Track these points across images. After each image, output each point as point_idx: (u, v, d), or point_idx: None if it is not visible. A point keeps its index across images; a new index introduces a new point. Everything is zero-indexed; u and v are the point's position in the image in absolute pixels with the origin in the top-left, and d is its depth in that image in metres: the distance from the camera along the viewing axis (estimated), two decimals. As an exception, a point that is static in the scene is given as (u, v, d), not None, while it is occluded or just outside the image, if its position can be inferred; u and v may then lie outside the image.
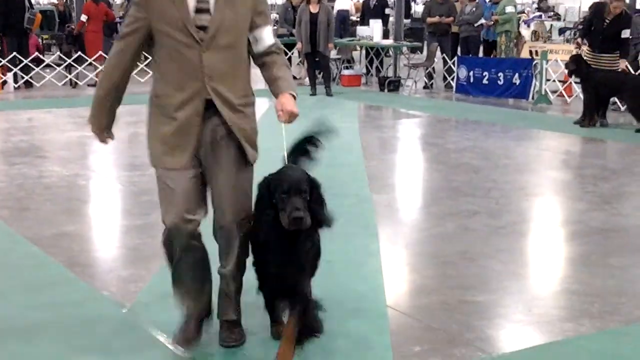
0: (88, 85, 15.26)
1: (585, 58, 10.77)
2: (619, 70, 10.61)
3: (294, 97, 3.46)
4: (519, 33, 15.92)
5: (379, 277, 4.77)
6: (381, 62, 16.28)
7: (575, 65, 10.72)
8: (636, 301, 4.41)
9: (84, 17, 15.53)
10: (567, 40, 20.21)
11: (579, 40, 11.99)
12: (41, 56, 16.02)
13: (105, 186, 7.40)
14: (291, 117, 3.38)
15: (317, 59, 13.86)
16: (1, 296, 4.42)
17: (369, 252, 5.25)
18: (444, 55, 15.07)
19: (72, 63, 15.54)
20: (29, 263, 5.03)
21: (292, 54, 16.14)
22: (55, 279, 4.74)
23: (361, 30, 16.03)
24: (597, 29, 10.74)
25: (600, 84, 10.44)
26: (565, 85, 13.18)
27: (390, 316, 4.15)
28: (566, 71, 11.47)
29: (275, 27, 19.68)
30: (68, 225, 5.88)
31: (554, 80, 13.25)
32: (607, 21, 10.58)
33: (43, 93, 14.29)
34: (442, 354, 3.68)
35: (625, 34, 10.54)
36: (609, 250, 5.35)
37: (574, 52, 11.90)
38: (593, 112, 10.58)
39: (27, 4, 14.98)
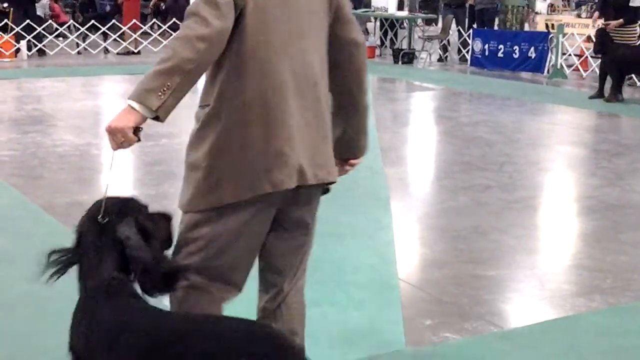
0: (117, 53, 15.28)
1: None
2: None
3: None
4: (528, 8, 15.68)
5: (391, 250, 4.77)
6: (395, 34, 16.18)
7: (600, 40, 10.60)
8: (648, 278, 4.40)
9: None
10: (580, 15, 20.00)
11: (596, 14, 11.86)
12: (55, 24, 16.01)
13: (118, 156, 7.40)
14: None
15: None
16: (13, 263, 4.45)
17: (381, 225, 5.25)
18: (459, 27, 14.95)
19: (86, 32, 15.56)
20: (42, 231, 5.06)
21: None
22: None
23: (376, 1, 15.91)
24: (609, 1, 10.71)
25: (620, 60, 10.31)
26: (581, 59, 13.06)
27: (402, 289, 4.16)
28: (583, 45, 11.37)
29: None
30: (81, 194, 5.89)
31: (570, 54, 13.13)
32: None
33: (56, 61, 14.29)
34: (453, 327, 3.68)
35: (635, 2, 10.40)
36: (621, 226, 5.33)
37: (597, 27, 11.74)
38: (616, 87, 10.48)
39: None
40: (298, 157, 2.39)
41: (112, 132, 2.36)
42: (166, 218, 2.53)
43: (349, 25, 2.58)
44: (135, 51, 15.43)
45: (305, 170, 2.42)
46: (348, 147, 2.70)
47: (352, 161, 2.77)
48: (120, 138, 2.38)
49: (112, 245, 2.34)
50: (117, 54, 15.32)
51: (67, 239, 4.87)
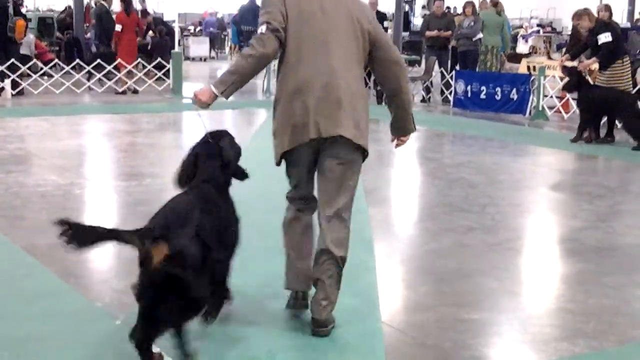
0: (115, 93, 15.29)
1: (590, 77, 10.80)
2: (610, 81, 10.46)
3: None
4: (504, 54, 15.96)
5: (374, 292, 4.76)
6: (379, 75, 16.29)
7: (575, 80, 10.66)
8: (631, 321, 4.41)
9: (118, 27, 15.54)
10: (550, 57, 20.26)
11: (564, 57, 11.86)
12: (39, 62, 16.02)
13: (101, 196, 7.39)
14: None
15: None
16: (-6, 306, 4.40)
17: (364, 266, 5.24)
18: (442, 69, 15.11)
19: (70, 70, 15.58)
20: (22, 273, 5.01)
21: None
22: (48, 289, 4.72)
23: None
24: (583, 46, 10.84)
25: (596, 101, 10.38)
26: (563, 101, 13.20)
27: (385, 332, 4.14)
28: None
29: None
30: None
31: (551, 96, 13.28)
32: (586, 36, 10.62)
33: (40, 100, 14.27)
34: (436, 372, 3.66)
35: (601, 39, 10.30)
36: (604, 268, 5.35)
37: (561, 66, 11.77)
38: (591, 129, 10.54)
39: (10, 12, 14.90)
40: (315, 120, 3.87)
41: (196, 98, 3.86)
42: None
43: (386, 49, 4.07)
44: (138, 90, 15.50)
45: (320, 130, 3.88)
46: (397, 128, 4.37)
47: (402, 138, 4.43)
48: (199, 103, 3.85)
49: (217, 152, 3.93)
50: (116, 93, 15.34)
51: (47, 280, 4.85)
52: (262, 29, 3.86)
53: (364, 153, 4.04)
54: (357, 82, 3.99)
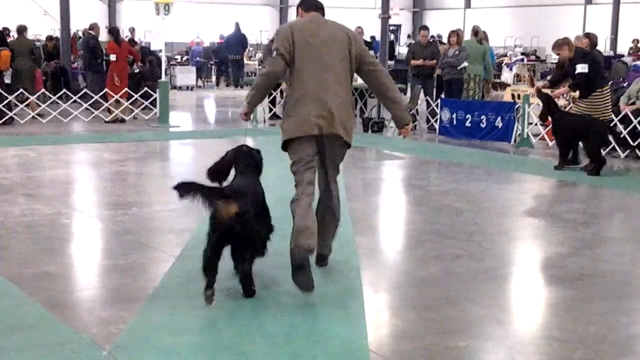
0: (105, 122, 15.26)
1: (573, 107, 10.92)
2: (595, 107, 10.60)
3: None
4: (488, 81, 16.13)
5: (362, 320, 4.75)
6: (365, 103, 16.40)
7: (547, 108, 10.81)
8: (618, 348, 4.42)
9: (113, 57, 15.56)
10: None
11: (539, 84, 11.97)
12: (25, 93, 16.00)
13: (88, 225, 7.37)
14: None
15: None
16: (-21, 337, 4.36)
17: (351, 295, 5.24)
18: (427, 97, 15.20)
19: (57, 100, 15.58)
20: (7, 303, 4.98)
21: (277, 94, 16.26)
22: (34, 319, 4.69)
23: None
24: (562, 74, 11.00)
25: (568, 128, 10.53)
26: (547, 129, 13.30)
27: (372, 361, 4.14)
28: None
29: (260, 67, 19.81)
30: (49, 265, 5.84)
31: (535, 124, 13.38)
32: (567, 65, 10.80)
33: (27, 130, 14.25)
34: (424, 400, 3.65)
35: (578, 69, 10.45)
36: (590, 296, 5.38)
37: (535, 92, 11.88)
38: (565, 154, 10.67)
39: None
40: (317, 121, 5.25)
41: (240, 115, 5.57)
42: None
43: (369, 62, 5.50)
44: (125, 119, 15.51)
45: (321, 127, 5.27)
46: (397, 121, 5.61)
47: (402, 130, 5.64)
48: (243, 117, 5.54)
49: (252, 156, 5.42)
50: (105, 122, 15.32)
51: (33, 311, 4.82)
52: (273, 53, 5.34)
53: (349, 146, 5.48)
54: (346, 93, 5.44)
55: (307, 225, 5.15)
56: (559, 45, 10.87)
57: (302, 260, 5.03)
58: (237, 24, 25.64)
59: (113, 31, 16.40)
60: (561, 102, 12.16)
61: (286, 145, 5.41)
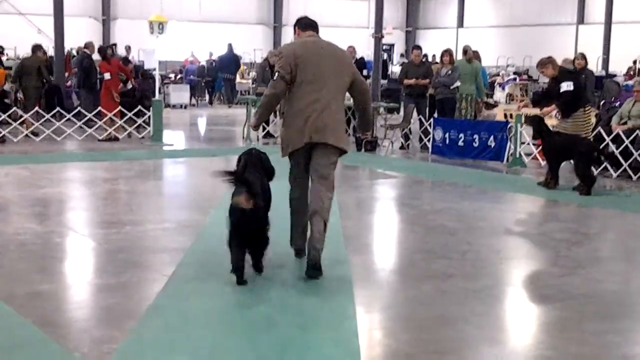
0: (98, 140, 15.24)
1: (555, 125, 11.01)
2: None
3: None
4: (480, 101, 16.25)
5: (355, 340, 4.75)
6: (358, 122, 16.44)
7: (536, 128, 10.90)
8: (610, 368, 4.43)
9: (107, 75, 15.59)
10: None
11: (522, 103, 12.10)
12: (19, 111, 16.00)
13: (81, 244, 7.35)
14: None
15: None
16: (-29, 357, 4.34)
17: (344, 314, 5.24)
18: (420, 116, 15.26)
19: (50, 118, 15.59)
20: (0, 322, 4.96)
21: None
22: (26, 339, 4.68)
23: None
24: (544, 93, 11.12)
25: (557, 147, 10.61)
26: (540, 148, 13.34)
27: (366, 381, 4.13)
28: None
29: (254, 86, 19.83)
30: (41, 283, 5.82)
31: (528, 143, 13.43)
32: (550, 83, 10.97)
33: (20, 148, 14.24)
34: (417, 421, 3.65)
35: (563, 87, 10.54)
36: (583, 315, 5.38)
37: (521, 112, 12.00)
38: (554, 174, 10.72)
39: None
40: (310, 132, 6.04)
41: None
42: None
43: (360, 83, 6.43)
44: (118, 137, 15.50)
45: (312, 138, 6.05)
46: (361, 127, 7.06)
47: (365, 133, 7.88)
48: (253, 129, 6.83)
49: (261, 160, 6.27)
50: (98, 140, 15.30)
51: (25, 330, 4.80)
52: (275, 76, 6.20)
53: (343, 151, 6.27)
54: (338, 106, 6.28)
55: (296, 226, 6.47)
56: (543, 63, 11.04)
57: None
58: (230, 45, 26.40)
59: (101, 50, 16.47)
60: (553, 121, 12.21)
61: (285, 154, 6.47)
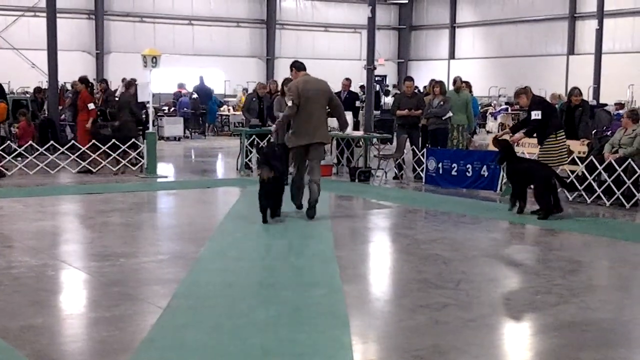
0: (78, 172, 15.21)
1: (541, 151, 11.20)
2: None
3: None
4: (471, 135, 16.46)
5: (350, 371, 4.74)
6: (352, 153, 16.49)
7: (504, 153, 11.12)
8: (606, 396, 4.42)
9: (91, 105, 15.65)
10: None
11: (506, 130, 12.56)
12: (13, 144, 16.03)
13: (74, 277, 7.34)
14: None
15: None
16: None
17: (340, 344, 5.23)
18: (413, 146, 15.32)
19: (44, 152, 15.60)
20: (-6, 356, 4.94)
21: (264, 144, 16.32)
22: (20, 373, 4.65)
23: (332, 121, 16.25)
24: (522, 122, 11.50)
25: (519, 172, 10.89)
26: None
27: (362, 411, 4.11)
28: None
29: (247, 116, 19.85)
30: (35, 317, 5.80)
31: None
32: (527, 113, 11.28)
33: (14, 182, 14.23)
34: None
35: (532, 116, 10.94)
36: (579, 344, 5.38)
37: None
38: (520, 199, 10.93)
39: None
40: (309, 135, 10.17)
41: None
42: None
43: (335, 103, 10.66)
44: (94, 170, 15.43)
45: (310, 139, 10.19)
46: (340, 127, 11.30)
47: (343, 133, 13.30)
48: (273, 131, 11.81)
49: (274, 151, 10.23)
50: (78, 172, 15.28)
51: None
52: (289, 102, 10.05)
53: (326, 144, 10.84)
54: (324, 117, 10.37)
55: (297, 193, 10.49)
56: (518, 94, 11.56)
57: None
58: (201, 78, 28.58)
59: (83, 80, 16.68)
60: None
61: (290, 149, 10.26)
